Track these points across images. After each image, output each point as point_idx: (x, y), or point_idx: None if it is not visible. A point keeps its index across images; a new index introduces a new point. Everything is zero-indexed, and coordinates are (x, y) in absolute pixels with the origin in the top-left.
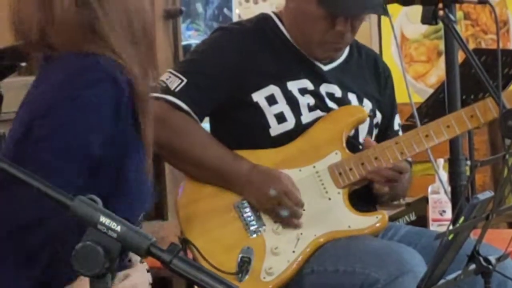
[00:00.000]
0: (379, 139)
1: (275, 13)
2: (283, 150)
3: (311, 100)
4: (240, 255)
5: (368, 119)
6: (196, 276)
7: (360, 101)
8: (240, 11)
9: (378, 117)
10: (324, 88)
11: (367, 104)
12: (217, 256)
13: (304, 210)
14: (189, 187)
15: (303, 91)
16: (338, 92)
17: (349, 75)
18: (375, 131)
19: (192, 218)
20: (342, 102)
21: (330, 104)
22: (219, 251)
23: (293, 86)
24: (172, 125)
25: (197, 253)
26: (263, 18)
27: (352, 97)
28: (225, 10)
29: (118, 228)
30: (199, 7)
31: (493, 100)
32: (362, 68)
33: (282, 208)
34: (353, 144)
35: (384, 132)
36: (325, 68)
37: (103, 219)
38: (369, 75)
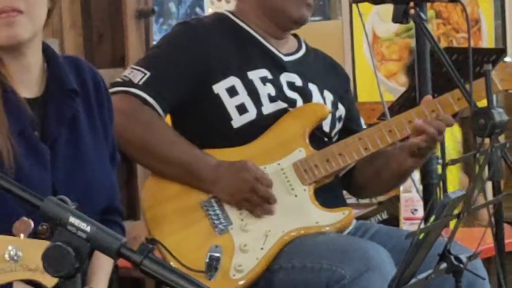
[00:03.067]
0: (346, 135)
1: (229, 12)
2: (247, 148)
3: (271, 90)
4: (209, 254)
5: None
6: (167, 277)
7: (321, 92)
8: (213, 10)
9: (341, 110)
10: (284, 77)
11: (328, 96)
12: (186, 256)
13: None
14: (154, 187)
15: (264, 80)
16: (298, 81)
17: (308, 68)
18: (338, 125)
19: (159, 219)
20: (303, 91)
21: (290, 93)
22: (187, 250)
23: (254, 75)
24: (140, 120)
25: (166, 252)
26: (220, 14)
27: (313, 87)
28: (197, 9)
29: (88, 229)
30: (172, 7)
31: (454, 95)
32: (320, 65)
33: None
34: (318, 136)
35: (352, 129)
36: (285, 58)
37: (72, 219)
38: (328, 72)
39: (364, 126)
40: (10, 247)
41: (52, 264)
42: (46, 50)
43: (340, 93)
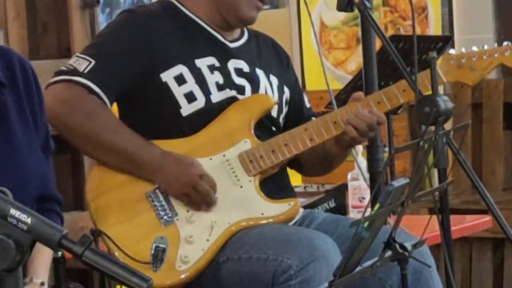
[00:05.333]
0: (293, 116)
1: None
2: (193, 140)
3: (219, 79)
4: (154, 245)
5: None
6: (108, 268)
7: (267, 76)
8: None
9: (287, 92)
10: (232, 64)
11: (274, 80)
12: (131, 247)
13: (217, 198)
14: (98, 177)
15: (211, 68)
16: (245, 67)
17: (253, 53)
18: (285, 109)
19: (104, 209)
20: (250, 77)
21: (238, 80)
22: (132, 241)
23: (202, 63)
24: (83, 108)
25: (111, 243)
26: (166, 2)
27: (259, 72)
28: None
29: (29, 221)
30: None
31: (399, 86)
32: (262, 48)
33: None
34: (265, 124)
35: (298, 111)
36: (231, 45)
37: (13, 211)
38: (270, 54)
39: (308, 105)
40: None
41: None
42: None
43: (283, 75)
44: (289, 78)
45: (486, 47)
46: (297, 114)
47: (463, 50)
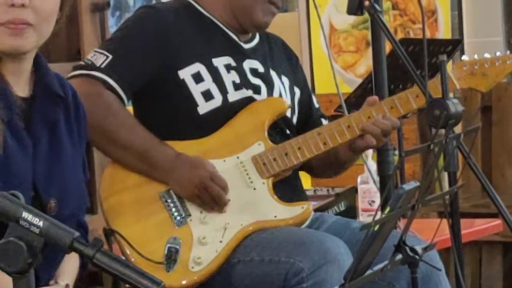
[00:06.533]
0: (302, 116)
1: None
2: (207, 141)
3: (236, 78)
4: (167, 246)
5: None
6: (119, 270)
7: (279, 77)
8: None
9: (297, 93)
10: (247, 64)
11: (285, 81)
12: (144, 247)
13: (229, 200)
14: (112, 177)
15: (228, 68)
16: (260, 68)
17: (265, 54)
18: (297, 108)
19: (117, 209)
20: (265, 77)
21: (254, 80)
22: (145, 242)
23: (219, 62)
24: (100, 103)
25: (124, 243)
26: (183, 1)
27: (272, 73)
28: (154, 3)
29: (41, 223)
30: (130, 0)
31: (412, 92)
32: (273, 49)
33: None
34: (280, 126)
35: (307, 110)
36: (246, 46)
37: (25, 214)
38: (280, 55)
39: (316, 105)
40: None
41: (5, 260)
42: (36, 56)
43: (294, 75)
44: (298, 78)
45: (498, 53)
46: (306, 114)
47: (476, 56)
